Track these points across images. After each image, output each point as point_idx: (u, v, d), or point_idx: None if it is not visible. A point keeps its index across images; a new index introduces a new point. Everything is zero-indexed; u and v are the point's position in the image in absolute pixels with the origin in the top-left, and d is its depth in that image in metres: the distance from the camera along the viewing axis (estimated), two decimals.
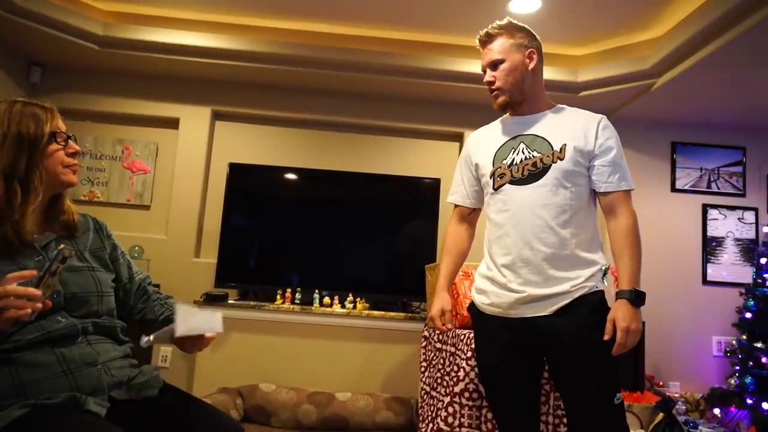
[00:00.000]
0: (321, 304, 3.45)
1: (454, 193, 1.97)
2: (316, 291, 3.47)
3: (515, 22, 1.79)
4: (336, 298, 3.48)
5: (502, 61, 1.74)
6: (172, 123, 3.90)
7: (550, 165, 1.68)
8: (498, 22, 1.78)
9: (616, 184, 1.68)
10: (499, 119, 1.90)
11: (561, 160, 1.68)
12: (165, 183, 3.87)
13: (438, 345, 2.72)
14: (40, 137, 1.31)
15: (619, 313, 1.56)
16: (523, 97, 1.77)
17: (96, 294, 1.35)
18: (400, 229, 3.67)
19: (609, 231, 1.71)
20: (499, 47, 1.75)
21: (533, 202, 1.68)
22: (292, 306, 3.39)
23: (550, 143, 1.71)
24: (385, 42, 3.48)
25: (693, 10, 2.92)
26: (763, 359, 3.11)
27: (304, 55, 3.44)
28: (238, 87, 3.87)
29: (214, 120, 3.96)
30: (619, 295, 1.60)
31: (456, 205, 1.97)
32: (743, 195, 4.03)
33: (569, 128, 1.72)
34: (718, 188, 4.04)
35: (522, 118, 1.81)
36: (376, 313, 3.41)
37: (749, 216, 4.01)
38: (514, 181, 1.72)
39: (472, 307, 1.85)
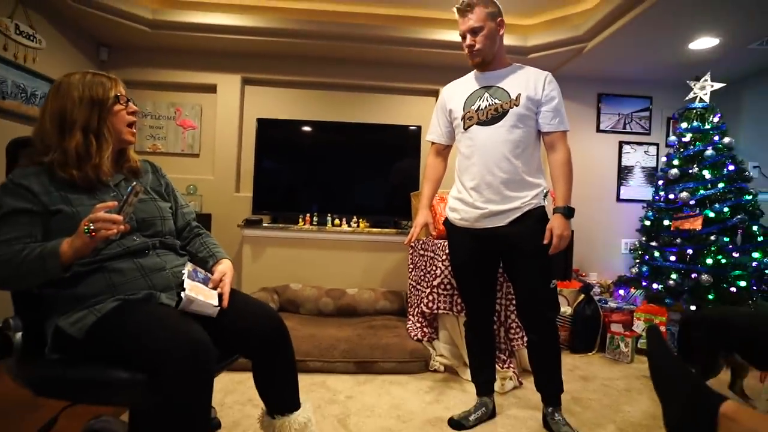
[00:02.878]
0: (333, 224, 3.43)
1: (432, 133, 1.89)
2: (329, 215, 3.45)
3: None
4: (344, 219, 3.46)
5: (481, 28, 1.64)
6: (212, 88, 3.73)
7: (508, 110, 1.64)
8: None
9: (556, 126, 1.66)
10: (470, 74, 1.80)
11: (516, 106, 1.64)
12: (209, 136, 3.76)
13: (421, 252, 2.75)
14: (107, 99, 1.25)
15: (555, 223, 1.59)
16: (493, 57, 1.69)
17: (159, 218, 1.33)
18: (391, 165, 3.60)
19: (549, 162, 1.69)
20: (477, 16, 1.63)
21: (495, 138, 1.65)
22: (311, 227, 3.37)
23: (508, 93, 1.66)
24: (376, 17, 3.28)
25: None
26: (656, 254, 3.16)
27: (313, 30, 3.25)
28: (261, 57, 3.67)
29: (244, 85, 3.78)
30: (555, 210, 1.62)
31: (433, 143, 1.90)
32: (648, 134, 3.98)
33: (523, 81, 1.67)
34: (631, 129, 3.97)
35: (487, 74, 1.73)
36: (374, 230, 3.40)
37: (652, 150, 3.98)
38: (480, 123, 1.68)
39: (447, 222, 1.85)
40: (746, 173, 3.03)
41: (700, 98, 3.17)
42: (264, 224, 3.39)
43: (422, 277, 2.65)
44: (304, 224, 3.40)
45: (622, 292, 3.36)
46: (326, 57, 3.66)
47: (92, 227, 1.05)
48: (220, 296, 1.28)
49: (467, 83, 1.78)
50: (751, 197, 2.96)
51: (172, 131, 3.73)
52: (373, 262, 3.41)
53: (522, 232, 1.63)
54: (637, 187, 3.96)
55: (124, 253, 1.21)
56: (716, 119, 3.12)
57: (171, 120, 3.73)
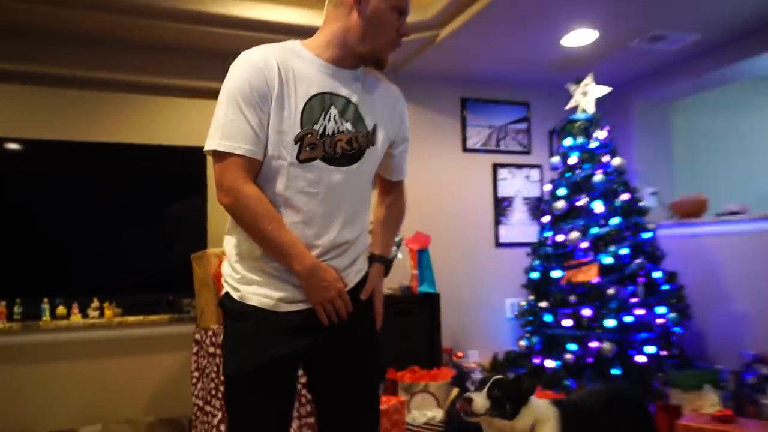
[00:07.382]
0: (53, 316, 3.17)
1: (244, 140, 1.45)
2: (46, 300, 3.18)
3: None
4: (74, 306, 3.23)
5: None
6: None
7: (365, 149, 1.57)
8: None
9: (404, 173, 1.80)
10: (307, 53, 1.54)
11: (373, 145, 1.58)
12: None
13: (211, 349, 2.66)
14: None
15: (378, 280, 1.70)
16: None
17: None
18: (160, 210, 3.45)
19: (383, 211, 1.78)
20: None
21: (345, 190, 1.55)
22: (8, 324, 3.08)
23: (363, 119, 1.56)
24: None
25: None
26: (547, 318, 3.43)
27: None
28: None
29: None
30: (376, 260, 1.71)
31: (239, 156, 1.46)
32: (528, 153, 4.45)
33: (380, 105, 1.62)
34: (507, 146, 4.39)
35: (342, 72, 1.55)
36: (131, 318, 3.24)
37: (535, 174, 4.45)
38: (327, 159, 1.51)
39: (236, 303, 1.53)
40: (641, 203, 3.54)
41: (583, 107, 3.66)
42: None
43: (213, 393, 2.58)
44: None
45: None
46: (21, 27, 3.28)
47: None
48: None
49: (311, 69, 1.54)
50: (650, 235, 3.45)
51: None
52: (131, 373, 3.23)
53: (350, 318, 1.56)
54: (521, 226, 4.36)
55: None
56: (603, 133, 3.61)
57: None
